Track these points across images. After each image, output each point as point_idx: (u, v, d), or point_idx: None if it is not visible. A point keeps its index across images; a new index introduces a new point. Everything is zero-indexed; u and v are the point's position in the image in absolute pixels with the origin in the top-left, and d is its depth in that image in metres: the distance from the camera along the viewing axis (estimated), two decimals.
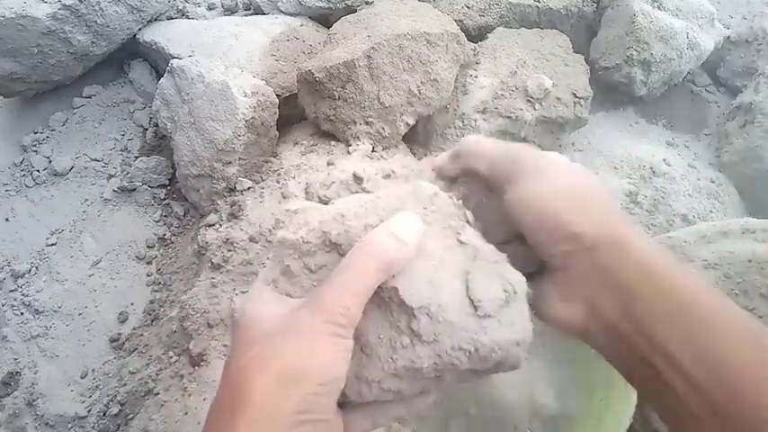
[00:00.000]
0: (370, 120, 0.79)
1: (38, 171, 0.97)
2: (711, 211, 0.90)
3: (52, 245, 0.90)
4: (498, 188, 0.32)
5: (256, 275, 0.64)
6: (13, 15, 0.85)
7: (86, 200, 0.95)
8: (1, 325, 0.83)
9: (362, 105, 0.78)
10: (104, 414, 0.73)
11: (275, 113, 0.84)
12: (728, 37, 1.11)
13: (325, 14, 1.04)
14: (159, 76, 1.02)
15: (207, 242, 0.76)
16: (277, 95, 0.85)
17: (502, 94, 0.87)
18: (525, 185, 0.30)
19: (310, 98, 0.82)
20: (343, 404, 0.29)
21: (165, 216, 0.93)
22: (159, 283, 0.86)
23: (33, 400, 0.76)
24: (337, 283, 0.26)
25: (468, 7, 1.02)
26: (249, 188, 0.81)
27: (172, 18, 1.08)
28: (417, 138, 0.90)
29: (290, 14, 1.05)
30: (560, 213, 0.29)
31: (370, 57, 0.76)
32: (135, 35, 1.00)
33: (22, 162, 0.99)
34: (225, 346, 0.67)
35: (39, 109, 1.04)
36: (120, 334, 0.81)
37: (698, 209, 0.89)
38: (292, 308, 0.27)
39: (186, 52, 0.94)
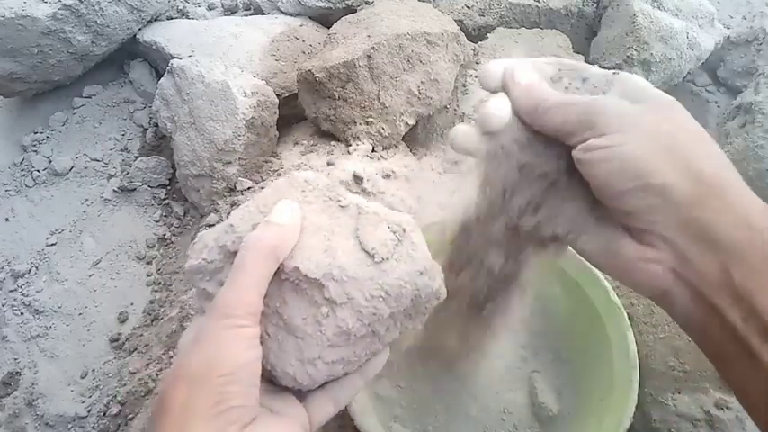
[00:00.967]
0: (370, 120, 0.79)
1: (38, 171, 0.97)
2: None
3: (52, 245, 0.90)
4: (568, 137, 0.29)
5: None
6: (13, 15, 0.85)
7: (86, 200, 0.95)
8: (1, 325, 0.83)
9: (362, 105, 0.78)
10: (104, 414, 0.73)
11: (275, 113, 0.84)
12: (728, 37, 1.11)
13: (325, 14, 1.04)
14: (159, 76, 1.02)
15: None
16: (277, 95, 0.85)
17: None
18: (605, 134, 0.26)
19: (310, 98, 0.82)
20: (303, 395, 0.31)
21: (165, 216, 0.93)
22: (159, 283, 0.86)
23: (33, 400, 0.76)
24: (229, 284, 0.28)
25: (468, 7, 1.03)
26: (249, 188, 0.81)
27: (172, 18, 1.08)
28: (417, 138, 0.90)
29: (290, 14, 1.05)
30: (647, 160, 0.25)
31: (370, 57, 0.76)
32: (135, 35, 1.00)
33: (22, 162, 0.99)
34: None
35: (39, 109, 1.04)
36: (120, 334, 0.81)
37: None
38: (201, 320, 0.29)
39: (186, 52, 0.94)
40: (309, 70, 0.78)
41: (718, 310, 0.23)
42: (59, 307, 0.84)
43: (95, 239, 0.91)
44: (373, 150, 0.80)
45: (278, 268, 0.29)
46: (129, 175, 0.94)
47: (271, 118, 0.83)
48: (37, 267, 0.88)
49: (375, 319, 0.30)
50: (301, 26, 1.02)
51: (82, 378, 0.78)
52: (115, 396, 0.73)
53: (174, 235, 0.91)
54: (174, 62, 0.85)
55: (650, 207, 0.25)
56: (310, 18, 1.05)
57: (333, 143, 0.82)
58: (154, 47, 0.98)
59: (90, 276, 0.87)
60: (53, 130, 1.01)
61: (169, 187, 0.96)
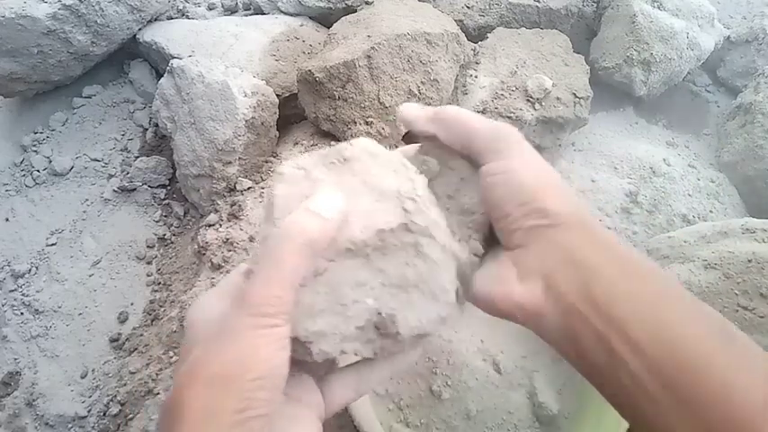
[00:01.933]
0: (370, 120, 0.79)
1: (38, 171, 0.97)
2: (711, 211, 0.90)
3: (52, 245, 0.90)
4: (475, 158, 0.33)
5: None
6: (13, 15, 0.85)
7: (86, 200, 0.95)
8: (1, 325, 0.83)
9: (362, 105, 0.78)
10: (104, 414, 0.73)
11: (275, 113, 0.84)
12: (728, 37, 1.11)
13: (325, 14, 1.04)
14: (159, 76, 1.02)
15: (207, 242, 0.76)
16: (277, 95, 0.85)
17: (502, 94, 0.87)
18: (505, 159, 0.31)
19: (310, 98, 0.82)
20: (324, 378, 0.30)
21: (165, 216, 0.93)
22: (159, 283, 0.86)
23: (33, 400, 0.76)
24: (258, 275, 0.26)
25: (468, 7, 1.03)
26: (249, 188, 0.81)
27: (172, 18, 1.08)
28: (417, 138, 0.90)
29: (290, 14, 1.05)
30: (535, 188, 0.29)
31: (370, 57, 0.76)
32: (135, 35, 1.00)
33: (22, 162, 0.99)
34: None
35: (39, 109, 1.04)
36: (120, 334, 0.81)
37: (698, 209, 0.89)
38: (225, 309, 0.27)
39: (186, 52, 0.94)
40: (309, 70, 0.78)
41: (582, 317, 0.26)
42: (59, 307, 0.84)
43: (95, 239, 0.91)
44: None
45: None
46: (129, 175, 0.94)
47: (271, 118, 0.83)
48: (37, 267, 0.88)
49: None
50: (301, 26, 1.02)
51: (82, 378, 0.78)
52: (115, 396, 0.73)
53: (174, 235, 0.91)
54: (174, 62, 0.85)
55: (532, 227, 0.29)
56: (310, 18, 1.05)
57: (333, 143, 0.82)
58: (154, 47, 0.98)
59: (90, 276, 0.87)
60: (53, 130, 1.01)
61: (169, 187, 0.96)
